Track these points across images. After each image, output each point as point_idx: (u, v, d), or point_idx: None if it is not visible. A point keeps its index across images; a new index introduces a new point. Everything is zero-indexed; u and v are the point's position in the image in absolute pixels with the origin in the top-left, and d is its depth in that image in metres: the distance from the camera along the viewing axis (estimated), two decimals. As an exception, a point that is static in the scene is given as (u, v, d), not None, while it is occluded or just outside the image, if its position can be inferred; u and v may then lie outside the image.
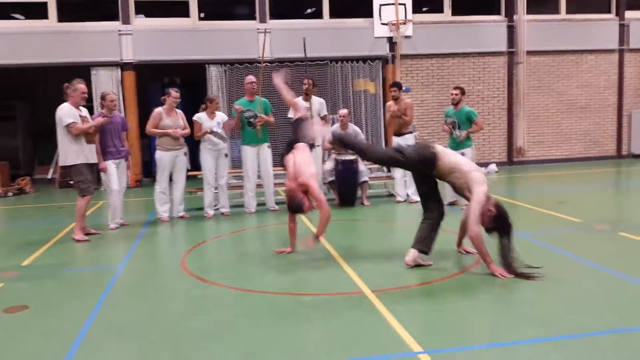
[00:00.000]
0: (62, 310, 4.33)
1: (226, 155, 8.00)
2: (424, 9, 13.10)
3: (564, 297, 4.17)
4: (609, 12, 13.52)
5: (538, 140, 13.43)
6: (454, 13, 12.91)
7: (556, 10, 13.34)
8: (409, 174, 8.54)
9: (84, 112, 6.79)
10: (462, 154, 7.74)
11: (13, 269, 5.50)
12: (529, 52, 13.00)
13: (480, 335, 3.55)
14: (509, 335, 3.53)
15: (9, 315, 4.22)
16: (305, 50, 8.17)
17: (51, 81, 10.92)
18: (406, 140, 8.35)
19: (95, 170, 6.94)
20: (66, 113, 6.51)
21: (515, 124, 13.20)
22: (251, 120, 7.92)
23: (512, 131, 13.23)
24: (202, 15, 12.23)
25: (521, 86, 13.02)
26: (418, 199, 8.31)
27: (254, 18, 12.25)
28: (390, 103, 8.46)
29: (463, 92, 8.10)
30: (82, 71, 11.31)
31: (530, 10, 12.90)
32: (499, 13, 13.15)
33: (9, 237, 7.43)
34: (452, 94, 8.11)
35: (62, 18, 11.72)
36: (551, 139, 13.49)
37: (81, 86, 6.67)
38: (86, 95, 6.79)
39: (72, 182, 6.90)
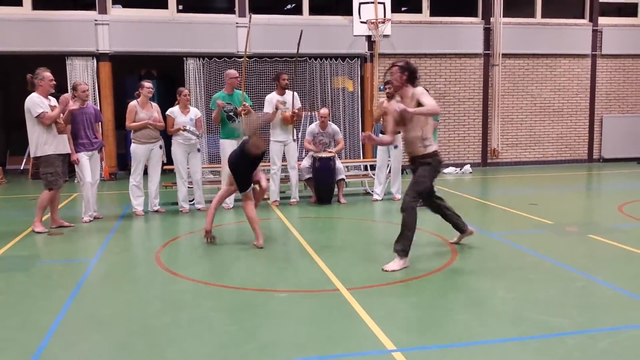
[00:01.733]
0: (35, 302, 4.28)
1: (198, 150, 7.95)
2: (403, 9, 13.19)
3: (535, 297, 4.27)
4: (582, 17, 13.80)
5: (512, 142, 13.65)
6: (432, 14, 13.02)
7: (532, 14, 13.56)
8: (394, 172, 8.61)
9: (53, 101, 6.62)
10: None
11: (-18, 261, 5.39)
12: (505, 55, 13.19)
13: (454, 334, 3.61)
14: (481, 334, 3.60)
15: (-21, 308, 4.15)
16: (299, 44, 8.17)
17: (25, 70, 10.69)
18: (396, 140, 8.32)
19: (67, 162, 6.82)
20: (35, 103, 6.36)
21: (489, 126, 13.39)
22: (231, 114, 7.88)
23: (487, 133, 13.42)
24: (180, 7, 12.10)
25: (496, 88, 13.22)
26: (400, 196, 8.46)
27: (233, 12, 12.18)
28: (382, 100, 8.46)
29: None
30: (57, 61, 11.14)
31: (507, 13, 13.09)
32: (476, 15, 13.32)
33: (-22, 228, 7.27)
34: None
35: (37, 6, 11.47)
36: (525, 142, 13.72)
37: (47, 74, 6.50)
38: (54, 83, 6.58)
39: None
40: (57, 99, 6.62)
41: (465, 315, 3.93)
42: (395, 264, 4.97)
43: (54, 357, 3.33)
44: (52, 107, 6.52)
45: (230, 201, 8.08)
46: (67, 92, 10.75)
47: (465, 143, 13.38)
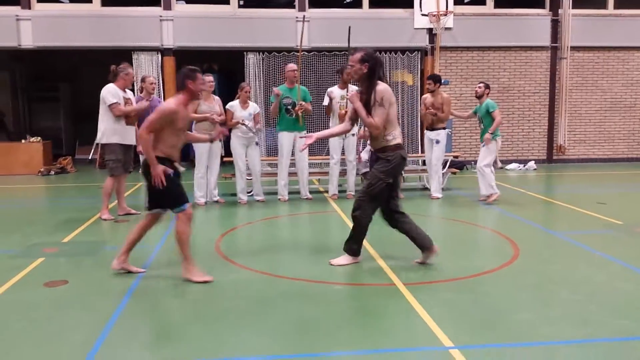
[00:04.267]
0: (101, 286, 4.45)
1: (257, 143, 8.04)
2: (466, 1, 12.88)
3: (602, 299, 4.07)
4: (659, 8, 13.05)
5: (579, 138, 13.09)
6: (496, 5, 12.65)
7: (603, 5, 12.93)
8: (433, 168, 8.31)
9: (129, 94, 7.04)
10: (483, 145, 7.89)
11: (54, 245, 5.66)
12: (574, 48, 12.66)
13: (515, 333, 3.49)
14: (544, 334, 3.46)
15: (49, 289, 4.35)
16: (349, 40, 8.13)
17: (93, 64, 11.16)
18: (438, 136, 8.20)
19: (131, 153, 7.07)
20: (111, 93, 6.76)
21: (556, 121, 12.89)
22: (289, 107, 7.94)
23: (553, 128, 12.93)
24: (241, 2, 12.28)
25: (564, 82, 12.70)
26: (440, 195, 8.16)
27: (293, 6, 12.24)
28: (426, 96, 8.34)
29: (487, 87, 8.01)
30: (124, 55, 11.52)
31: (576, 4, 12.54)
32: (543, 7, 12.83)
33: (51, 214, 7.65)
34: (477, 87, 8.06)
35: (105, 2, 11.93)
36: (593, 138, 13.13)
37: (131, 71, 7.03)
38: (134, 80, 7.04)
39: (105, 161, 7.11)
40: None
41: (527, 314, 3.79)
42: (343, 259, 4.94)
43: (118, 340, 3.45)
44: (126, 100, 6.91)
45: (285, 193, 8.14)
46: (134, 85, 11.16)
47: (529, 139, 12.95)
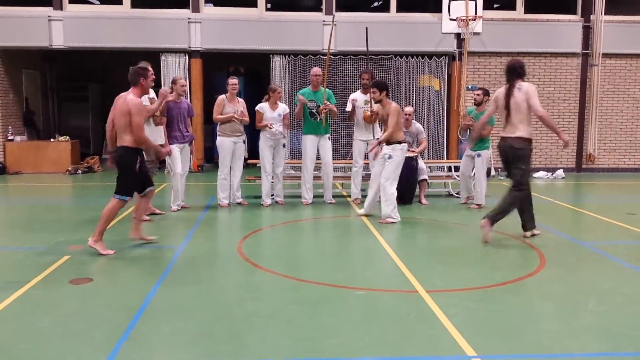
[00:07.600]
0: (125, 284, 4.50)
1: (284, 145, 8.06)
2: (495, 6, 12.73)
3: (629, 312, 3.97)
4: (695, 14, 12.71)
5: (610, 147, 12.81)
6: (527, 11, 12.47)
7: (636, 11, 12.65)
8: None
9: (152, 94, 7.03)
10: (478, 155, 7.96)
11: (79, 243, 5.74)
12: (605, 55, 12.40)
13: (539, 344, 3.42)
14: (569, 346, 3.39)
15: (75, 286, 4.41)
16: (367, 41, 8.10)
17: (122, 65, 11.31)
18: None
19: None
20: None
21: (586, 129, 12.65)
22: (314, 110, 7.95)
23: (583, 137, 12.68)
24: (268, 5, 12.34)
25: (595, 90, 12.46)
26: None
27: (320, 10, 12.26)
28: (376, 106, 7.39)
29: (486, 94, 8.05)
30: (152, 57, 11.67)
31: (609, 10, 12.29)
32: (574, 12, 12.61)
33: (77, 212, 7.78)
34: (475, 94, 8.18)
35: (135, 4, 12.10)
36: (624, 147, 12.83)
37: (149, 69, 6.82)
38: (154, 77, 6.93)
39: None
40: (155, 92, 6.98)
41: (552, 325, 3.71)
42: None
43: (142, 337, 3.48)
44: (150, 100, 6.88)
45: (309, 197, 8.14)
46: (161, 87, 11.30)
47: (558, 147, 12.69)
